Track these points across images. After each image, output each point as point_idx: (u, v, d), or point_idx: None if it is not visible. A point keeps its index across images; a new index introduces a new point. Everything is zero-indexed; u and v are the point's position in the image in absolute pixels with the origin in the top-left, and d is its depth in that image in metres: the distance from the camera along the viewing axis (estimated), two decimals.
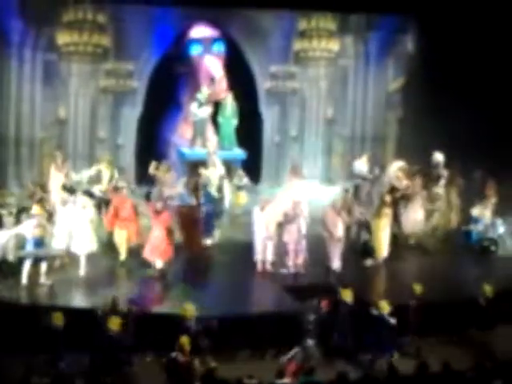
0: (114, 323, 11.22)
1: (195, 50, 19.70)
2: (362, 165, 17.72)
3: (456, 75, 17.97)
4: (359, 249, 15.59)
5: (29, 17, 17.72)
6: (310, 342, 12.10)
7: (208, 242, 15.87)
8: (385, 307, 12.18)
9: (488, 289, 13.00)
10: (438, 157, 17.03)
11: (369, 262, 15.20)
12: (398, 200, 16.06)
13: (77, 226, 14.01)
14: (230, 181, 17.55)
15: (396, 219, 16.00)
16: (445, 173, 16.85)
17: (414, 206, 16.32)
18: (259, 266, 14.71)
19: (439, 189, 16.79)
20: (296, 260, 14.63)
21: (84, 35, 18.12)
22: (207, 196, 16.06)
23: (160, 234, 14.11)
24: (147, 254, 14.16)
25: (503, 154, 16.94)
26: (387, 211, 15.34)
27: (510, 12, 17.20)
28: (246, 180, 18.00)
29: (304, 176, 17.52)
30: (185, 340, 10.76)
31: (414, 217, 16.30)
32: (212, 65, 19.60)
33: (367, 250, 15.39)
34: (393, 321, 12.11)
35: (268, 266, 14.71)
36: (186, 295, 13.20)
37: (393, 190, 16.09)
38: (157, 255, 14.10)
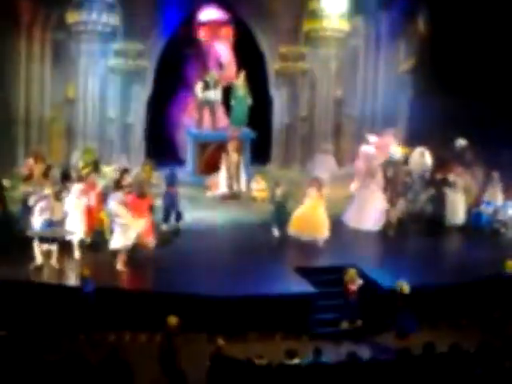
0: None
1: (203, 34, 19.60)
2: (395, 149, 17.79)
3: (466, 55, 17.90)
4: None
5: None
6: None
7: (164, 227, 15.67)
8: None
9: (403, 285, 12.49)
10: (462, 142, 17.29)
11: (275, 233, 15.42)
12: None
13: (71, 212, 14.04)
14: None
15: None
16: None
17: (457, 192, 16.55)
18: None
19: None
20: None
21: (93, 14, 18.02)
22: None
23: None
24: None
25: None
26: (314, 193, 15.14)
27: None
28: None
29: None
30: (173, 320, 10.60)
31: (458, 202, 16.56)
32: (221, 50, 19.55)
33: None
34: None
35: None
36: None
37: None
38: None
